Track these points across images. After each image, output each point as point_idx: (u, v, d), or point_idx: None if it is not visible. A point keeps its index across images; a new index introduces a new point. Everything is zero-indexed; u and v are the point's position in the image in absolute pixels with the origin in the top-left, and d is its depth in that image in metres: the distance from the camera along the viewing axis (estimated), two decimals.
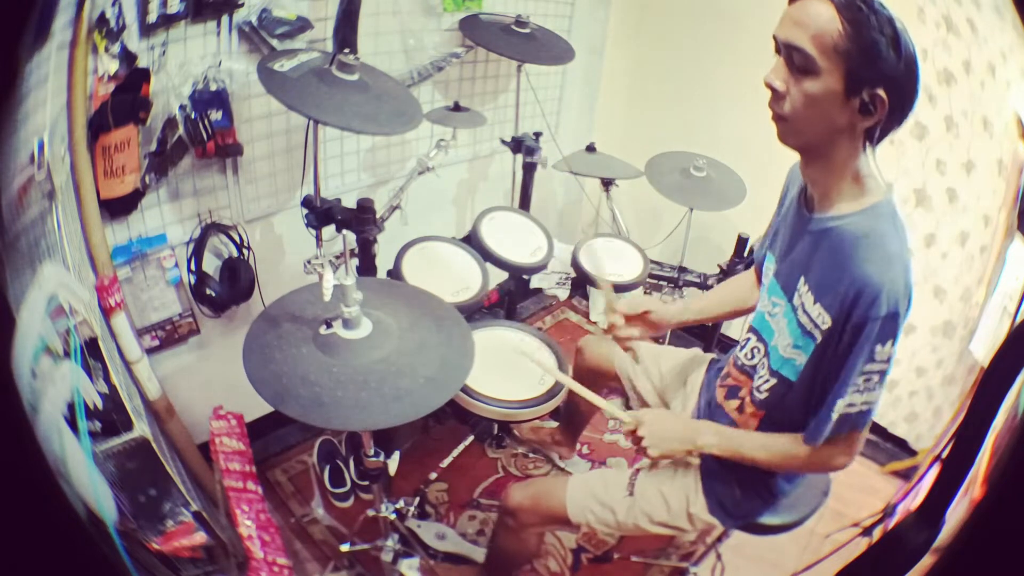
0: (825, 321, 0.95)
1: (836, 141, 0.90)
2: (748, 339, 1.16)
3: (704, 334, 2.36)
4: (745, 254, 2.03)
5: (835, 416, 0.95)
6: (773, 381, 1.08)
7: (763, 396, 1.11)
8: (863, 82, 0.84)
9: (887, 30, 0.82)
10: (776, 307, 1.06)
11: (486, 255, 1.79)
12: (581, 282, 1.96)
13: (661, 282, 2.07)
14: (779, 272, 1.07)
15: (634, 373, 1.45)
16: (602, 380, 1.54)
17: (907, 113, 0.88)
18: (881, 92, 0.84)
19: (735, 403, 1.17)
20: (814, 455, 1.02)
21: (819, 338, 0.96)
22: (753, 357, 1.13)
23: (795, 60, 0.86)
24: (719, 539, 1.51)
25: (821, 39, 0.83)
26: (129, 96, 1.30)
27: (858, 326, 0.90)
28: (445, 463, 1.87)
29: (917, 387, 1.70)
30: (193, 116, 1.43)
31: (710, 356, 1.41)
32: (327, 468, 1.76)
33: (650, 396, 1.43)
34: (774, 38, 0.89)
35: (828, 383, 0.97)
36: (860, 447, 1.01)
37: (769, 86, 0.90)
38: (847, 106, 0.86)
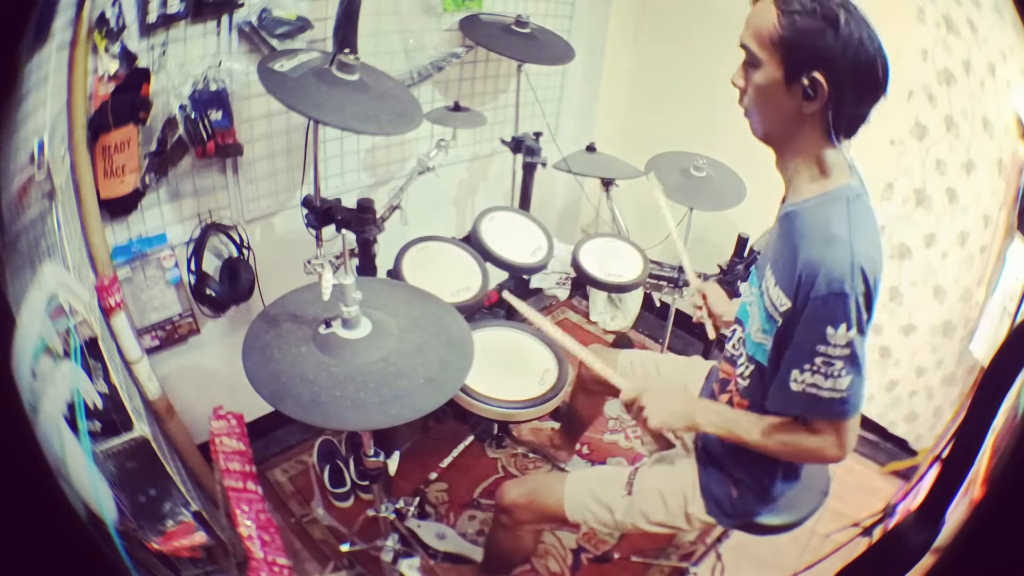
0: (783, 303, 0.97)
1: (792, 129, 0.95)
2: (734, 331, 1.17)
3: (704, 334, 2.36)
4: (745, 254, 2.03)
5: (795, 387, 0.96)
6: (751, 367, 1.09)
7: (745, 383, 1.12)
8: (799, 67, 0.89)
9: (825, 16, 0.86)
10: (752, 295, 1.09)
11: (486, 255, 1.79)
12: (581, 282, 1.95)
13: (661, 282, 2.07)
14: (758, 263, 1.10)
15: None
16: (606, 390, 1.54)
17: (861, 97, 0.90)
18: (818, 75, 0.88)
19: (726, 396, 1.18)
20: (808, 440, 1.01)
21: (780, 321, 0.98)
22: (737, 347, 1.15)
23: (746, 57, 0.94)
24: (719, 539, 1.51)
25: (759, 33, 0.91)
26: (129, 96, 1.30)
27: (803, 305, 0.93)
28: (445, 463, 1.87)
29: (917, 387, 1.70)
30: (193, 116, 1.43)
31: (711, 363, 1.41)
32: (327, 468, 1.76)
33: None
34: None
35: (785, 357, 0.99)
36: (850, 440, 1.00)
37: (734, 84, 0.98)
38: (790, 93, 0.91)
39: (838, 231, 0.91)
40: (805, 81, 0.89)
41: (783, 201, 1.04)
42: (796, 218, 0.96)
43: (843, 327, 0.90)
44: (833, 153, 0.95)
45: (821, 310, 0.90)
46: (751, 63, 0.93)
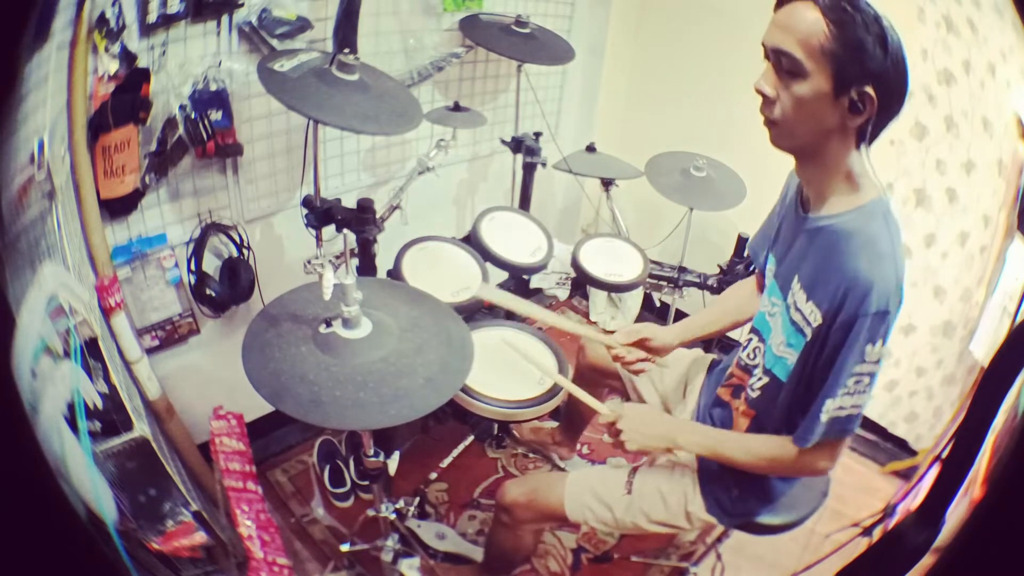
0: (816, 318, 0.95)
1: (828, 141, 0.91)
2: (750, 339, 1.16)
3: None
4: (745, 254, 2.03)
5: (824, 418, 0.95)
6: (765, 380, 1.08)
7: (755, 395, 1.11)
8: (851, 81, 0.84)
9: (873, 28, 0.83)
10: (775, 307, 1.07)
11: (486, 255, 1.79)
12: (581, 282, 1.95)
13: (661, 282, 2.07)
14: (778, 273, 1.08)
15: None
16: (603, 379, 1.54)
17: (898, 110, 0.88)
18: (869, 89, 0.85)
19: (739, 402, 1.18)
20: (799, 459, 1.02)
21: (809, 335, 0.97)
22: (755, 357, 1.14)
23: (783, 64, 0.87)
24: (719, 539, 1.51)
25: (807, 42, 0.84)
26: (129, 96, 1.30)
27: (847, 323, 0.90)
28: (445, 463, 1.87)
29: (917, 387, 1.70)
30: (193, 116, 1.43)
31: (711, 357, 1.41)
32: (327, 468, 1.76)
33: (651, 397, 1.43)
34: (763, 45, 0.90)
35: (818, 383, 0.97)
36: (841, 453, 1.02)
37: (759, 92, 0.91)
38: (836, 105, 0.87)
39: (884, 248, 0.90)
40: (854, 94, 0.85)
41: (805, 212, 1.01)
42: (834, 233, 0.94)
43: (880, 343, 0.89)
44: (858, 160, 0.93)
45: (868, 329, 0.89)
46: (794, 72, 0.86)
